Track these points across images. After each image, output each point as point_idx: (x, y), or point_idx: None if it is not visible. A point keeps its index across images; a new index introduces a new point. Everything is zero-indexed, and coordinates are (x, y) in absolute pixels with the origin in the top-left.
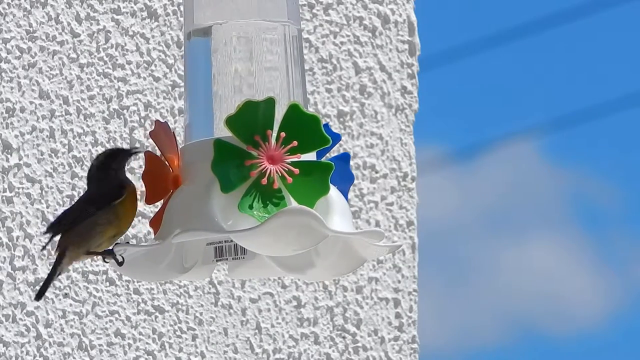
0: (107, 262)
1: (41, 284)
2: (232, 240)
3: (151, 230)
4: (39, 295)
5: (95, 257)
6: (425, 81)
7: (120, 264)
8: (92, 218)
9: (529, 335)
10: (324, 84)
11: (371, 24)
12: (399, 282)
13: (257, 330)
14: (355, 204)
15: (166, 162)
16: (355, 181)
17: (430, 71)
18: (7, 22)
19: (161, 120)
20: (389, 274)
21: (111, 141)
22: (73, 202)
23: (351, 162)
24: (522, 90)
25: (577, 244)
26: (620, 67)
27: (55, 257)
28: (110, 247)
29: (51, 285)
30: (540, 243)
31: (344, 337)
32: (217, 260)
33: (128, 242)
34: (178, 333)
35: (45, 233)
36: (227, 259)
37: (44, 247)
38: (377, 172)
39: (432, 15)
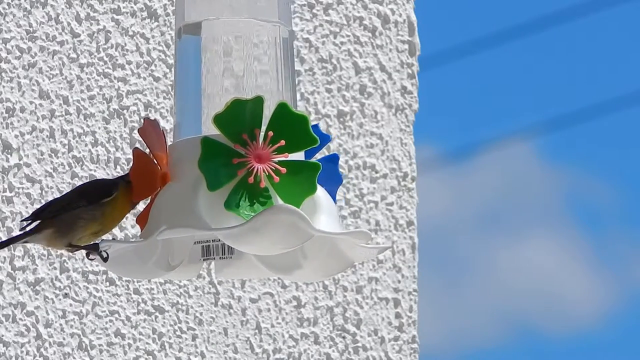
0: (91, 260)
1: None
2: (219, 240)
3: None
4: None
5: (77, 251)
6: (425, 81)
7: (104, 259)
8: (77, 210)
9: (527, 334)
10: (324, 84)
11: (371, 24)
12: (399, 282)
13: (257, 330)
14: (355, 204)
15: (154, 160)
16: (355, 181)
17: (430, 71)
18: (7, 22)
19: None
20: (389, 274)
21: (111, 141)
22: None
23: (351, 162)
24: (519, 89)
25: (574, 244)
26: (617, 67)
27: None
28: (97, 242)
29: (11, 246)
30: (537, 242)
31: (344, 337)
32: (204, 260)
33: (114, 239)
34: (178, 333)
35: (27, 219)
36: (214, 258)
37: (23, 229)
38: (377, 172)
39: (432, 15)
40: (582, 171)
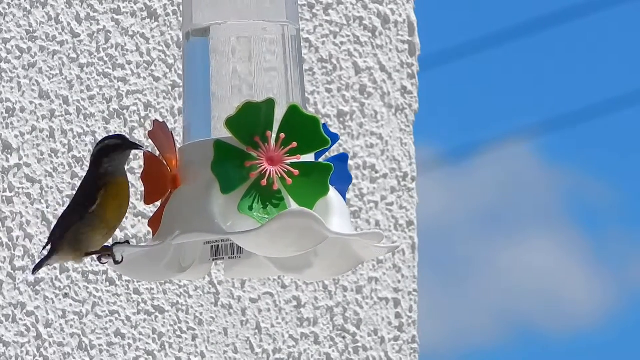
0: (103, 263)
1: (37, 262)
2: (229, 240)
3: (151, 230)
4: (35, 269)
5: (95, 256)
6: (425, 81)
7: (117, 262)
8: (75, 227)
9: (526, 334)
10: (324, 84)
11: (371, 24)
12: (399, 282)
13: (257, 330)
14: (355, 204)
15: (164, 162)
16: (355, 181)
17: (430, 71)
18: (7, 22)
19: (160, 120)
20: (389, 274)
21: None
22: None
23: (351, 162)
24: (519, 90)
25: (573, 243)
26: (617, 67)
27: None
28: (110, 245)
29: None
30: (536, 242)
31: (344, 337)
32: (213, 259)
33: (128, 242)
34: (178, 333)
35: (46, 244)
36: (223, 258)
37: (44, 248)
38: (377, 172)
39: (432, 15)
40: (581, 171)
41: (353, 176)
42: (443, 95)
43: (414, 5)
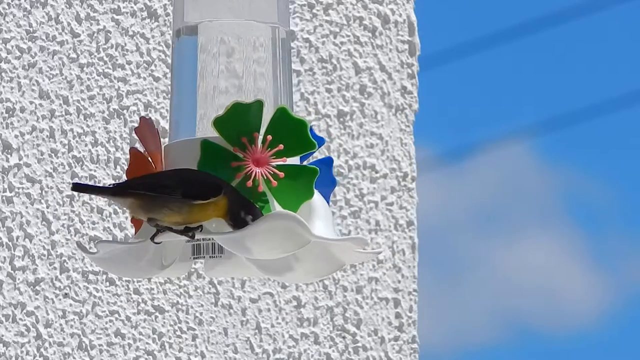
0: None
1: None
2: (210, 238)
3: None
4: (83, 189)
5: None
6: (425, 81)
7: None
8: (166, 197)
9: (526, 333)
10: (324, 84)
11: (371, 24)
12: (399, 282)
13: (257, 330)
14: (355, 204)
15: (150, 160)
16: (355, 181)
17: (430, 71)
18: (7, 22)
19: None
20: (389, 274)
21: (111, 141)
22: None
23: (351, 162)
24: (518, 90)
25: (572, 243)
26: (616, 67)
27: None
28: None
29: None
30: (535, 242)
31: (344, 337)
32: (194, 258)
33: (112, 240)
34: (178, 333)
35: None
36: (204, 257)
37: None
38: (377, 172)
39: (432, 15)
40: (579, 171)
41: (353, 176)
42: (443, 95)
43: (414, 5)
